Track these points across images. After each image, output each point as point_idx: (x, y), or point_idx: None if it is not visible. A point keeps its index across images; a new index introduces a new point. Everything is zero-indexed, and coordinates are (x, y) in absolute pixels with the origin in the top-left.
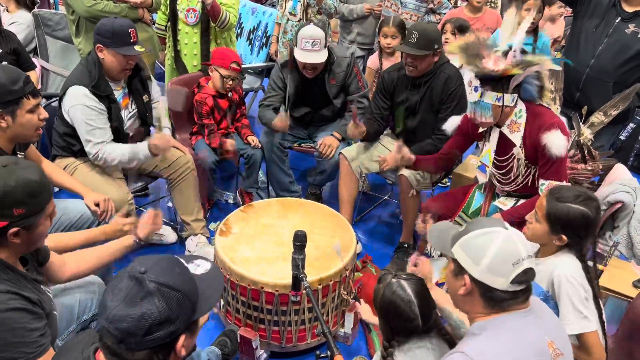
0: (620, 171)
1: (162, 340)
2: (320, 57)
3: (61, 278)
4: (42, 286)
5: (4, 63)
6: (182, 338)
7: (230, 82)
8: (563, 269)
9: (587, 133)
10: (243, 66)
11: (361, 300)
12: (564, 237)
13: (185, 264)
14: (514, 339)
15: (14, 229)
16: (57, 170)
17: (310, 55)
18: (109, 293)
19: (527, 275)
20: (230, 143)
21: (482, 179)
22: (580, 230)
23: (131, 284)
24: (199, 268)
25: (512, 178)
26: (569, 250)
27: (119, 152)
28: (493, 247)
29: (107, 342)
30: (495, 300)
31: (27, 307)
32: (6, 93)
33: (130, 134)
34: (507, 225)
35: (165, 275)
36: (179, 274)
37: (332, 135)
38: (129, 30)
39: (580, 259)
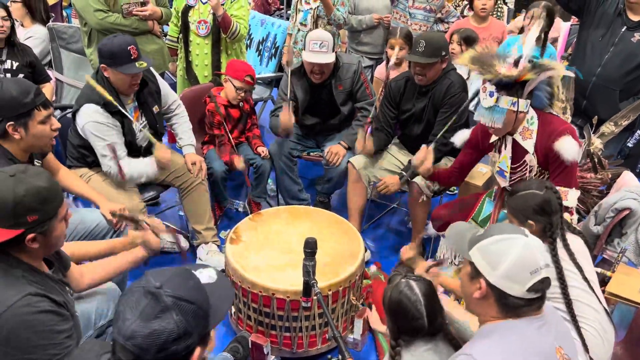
0: (628, 178)
1: (177, 355)
2: (327, 58)
3: (79, 287)
4: (66, 287)
5: (20, 76)
6: (197, 351)
7: (242, 94)
8: None
9: (597, 143)
10: None
11: (373, 307)
12: (531, 222)
13: (196, 275)
14: (521, 344)
15: (31, 235)
16: (75, 177)
17: (318, 56)
18: (123, 309)
19: (543, 284)
20: (238, 160)
21: (503, 183)
22: (538, 210)
23: (147, 299)
24: (208, 278)
25: None
26: (542, 239)
27: (133, 169)
28: (512, 254)
29: (122, 359)
30: (509, 306)
31: (54, 310)
32: (18, 106)
33: (143, 146)
34: (527, 232)
35: (180, 289)
36: (193, 287)
37: (339, 143)
38: (128, 48)
39: (550, 244)
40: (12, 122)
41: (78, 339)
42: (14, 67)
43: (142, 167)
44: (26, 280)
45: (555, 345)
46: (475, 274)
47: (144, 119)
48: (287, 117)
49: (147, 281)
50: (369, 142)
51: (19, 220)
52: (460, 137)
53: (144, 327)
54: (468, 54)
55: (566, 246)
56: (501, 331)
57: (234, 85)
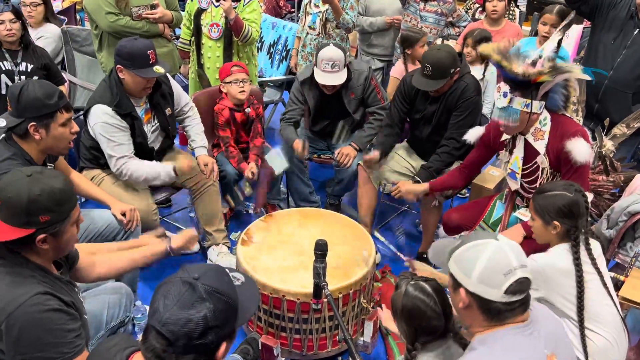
0: None
1: (208, 346)
2: (340, 78)
3: (89, 277)
4: (75, 288)
5: (35, 78)
6: (224, 346)
7: (243, 87)
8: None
9: (609, 145)
10: (263, 79)
11: (383, 306)
12: (556, 223)
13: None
14: (510, 354)
15: (42, 236)
16: (85, 181)
17: (330, 77)
18: (161, 297)
19: (521, 285)
20: (248, 170)
21: (514, 185)
22: (565, 212)
23: (184, 288)
24: (237, 280)
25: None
26: (565, 240)
27: (143, 170)
28: (482, 259)
29: (155, 345)
30: (493, 313)
31: (63, 309)
32: (42, 107)
33: (156, 148)
34: (499, 236)
35: (216, 282)
36: (227, 283)
37: (349, 145)
38: (148, 52)
39: (573, 244)
40: (34, 123)
41: (87, 340)
42: (29, 70)
43: (152, 170)
44: (35, 279)
45: (546, 352)
46: (455, 284)
47: (155, 121)
48: (299, 149)
49: (184, 272)
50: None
51: (31, 219)
52: (474, 134)
53: (180, 314)
54: (493, 45)
55: (588, 250)
56: (489, 343)
57: (230, 82)
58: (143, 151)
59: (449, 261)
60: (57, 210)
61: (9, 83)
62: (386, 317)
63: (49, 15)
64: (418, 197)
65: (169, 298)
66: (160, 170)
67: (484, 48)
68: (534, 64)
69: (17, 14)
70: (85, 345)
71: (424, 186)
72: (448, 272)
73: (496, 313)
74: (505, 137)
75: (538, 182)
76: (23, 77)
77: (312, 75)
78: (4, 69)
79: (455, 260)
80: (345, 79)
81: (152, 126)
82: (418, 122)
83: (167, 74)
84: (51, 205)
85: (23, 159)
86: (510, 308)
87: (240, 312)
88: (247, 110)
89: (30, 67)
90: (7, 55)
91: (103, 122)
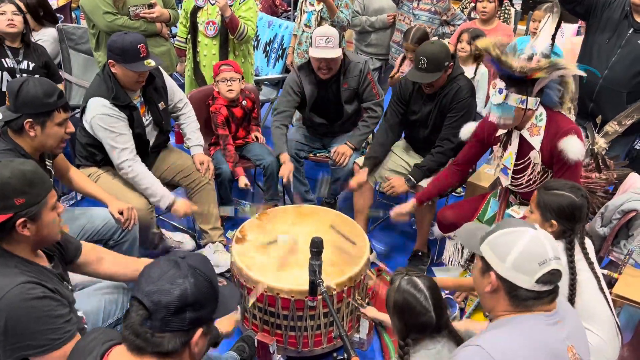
0: (634, 180)
1: (184, 325)
2: (334, 53)
3: (94, 271)
4: (65, 282)
5: (36, 76)
6: (199, 332)
7: (231, 85)
8: None
9: (601, 142)
10: (259, 78)
11: (366, 305)
12: (554, 222)
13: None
14: (530, 338)
15: (21, 220)
16: (83, 178)
17: (325, 51)
18: (147, 272)
19: (553, 277)
20: (242, 180)
21: (505, 181)
22: (567, 214)
23: (170, 265)
24: (220, 283)
25: (526, 182)
26: (559, 240)
27: (146, 181)
28: (519, 245)
29: (135, 318)
30: (519, 299)
31: (49, 295)
32: (40, 105)
33: (151, 143)
34: (536, 226)
35: (200, 263)
36: (210, 268)
37: (345, 144)
38: (139, 46)
39: (568, 247)
40: (30, 119)
41: (78, 326)
42: (31, 68)
43: (153, 187)
44: (19, 270)
45: (568, 343)
46: (486, 268)
47: (149, 115)
48: (286, 170)
49: (171, 254)
50: (362, 173)
51: (7, 203)
52: (466, 130)
53: (163, 287)
54: (491, 39)
55: (583, 250)
56: (512, 324)
57: (218, 81)
58: (140, 143)
59: (482, 244)
60: (31, 192)
61: None
62: (370, 309)
63: (41, 19)
64: (407, 190)
65: (154, 273)
66: (161, 193)
67: (481, 42)
68: (529, 59)
69: (20, 9)
70: (79, 332)
71: (411, 203)
72: (478, 256)
73: (523, 300)
74: (500, 132)
75: (526, 178)
76: (24, 76)
77: (309, 61)
78: (6, 66)
79: (490, 244)
80: (339, 55)
81: (147, 120)
82: (414, 124)
83: (161, 69)
84: (24, 186)
85: (19, 154)
86: (538, 296)
87: (220, 303)
88: (244, 103)
89: (32, 65)
90: (9, 53)
91: (101, 113)
